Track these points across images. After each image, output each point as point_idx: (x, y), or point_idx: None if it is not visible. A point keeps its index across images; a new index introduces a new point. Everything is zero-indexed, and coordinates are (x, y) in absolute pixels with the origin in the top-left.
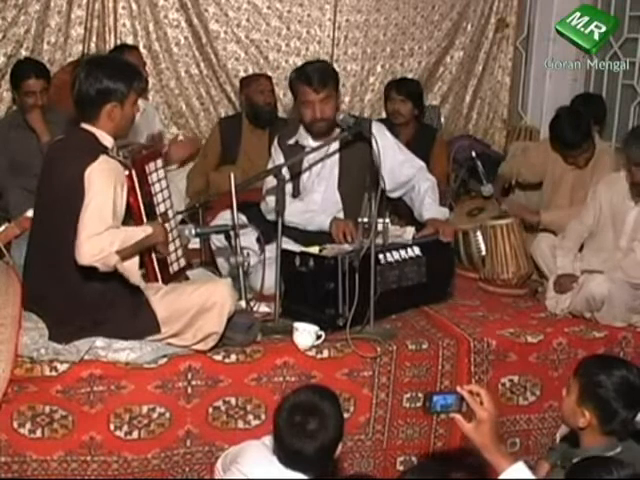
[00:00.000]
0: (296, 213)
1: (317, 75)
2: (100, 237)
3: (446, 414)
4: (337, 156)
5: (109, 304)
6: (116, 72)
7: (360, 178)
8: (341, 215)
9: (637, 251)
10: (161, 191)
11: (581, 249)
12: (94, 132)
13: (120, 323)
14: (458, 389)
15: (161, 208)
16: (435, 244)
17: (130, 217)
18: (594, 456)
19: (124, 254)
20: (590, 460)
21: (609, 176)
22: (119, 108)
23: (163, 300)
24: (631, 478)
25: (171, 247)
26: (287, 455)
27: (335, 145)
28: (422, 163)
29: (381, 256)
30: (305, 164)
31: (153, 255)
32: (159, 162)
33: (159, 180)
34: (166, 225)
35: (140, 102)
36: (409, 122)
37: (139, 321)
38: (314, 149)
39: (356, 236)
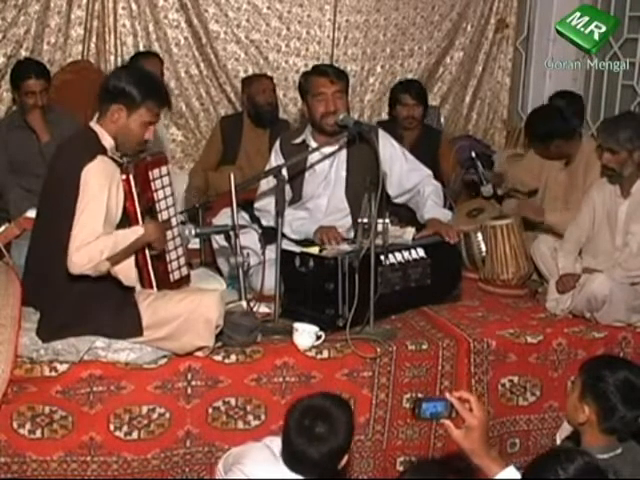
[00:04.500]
0: (285, 222)
1: (332, 68)
2: (89, 247)
3: (436, 420)
4: (344, 160)
5: (96, 297)
6: (137, 80)
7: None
8: (348, 219)
9: (631, 244)
10: (165, 198)
11: (580, 254)
12: (97, 131)
13: (103, 320)
14: (447, 396)
15: (164, 215)
16: (440, 246)
17: (127, 221)
18: (548, 452)
19: (116, 258)
20: (542, 457)
21: (600, 180)
22: (125, 112)
23: (150, 306)
24: (580, 477)
25: (173, 255)
26: (292, 456)
27: (342, 150)
28: (429, 171)
29: (383, 257)
30: (310, 169)
31: (149, 262)
32: (164, 169)
33: (164, 187)
34: (168, 232)
35: None
36: (417, 125)
37: (123, 321)
38: (317, 148)
39: (338, 240)
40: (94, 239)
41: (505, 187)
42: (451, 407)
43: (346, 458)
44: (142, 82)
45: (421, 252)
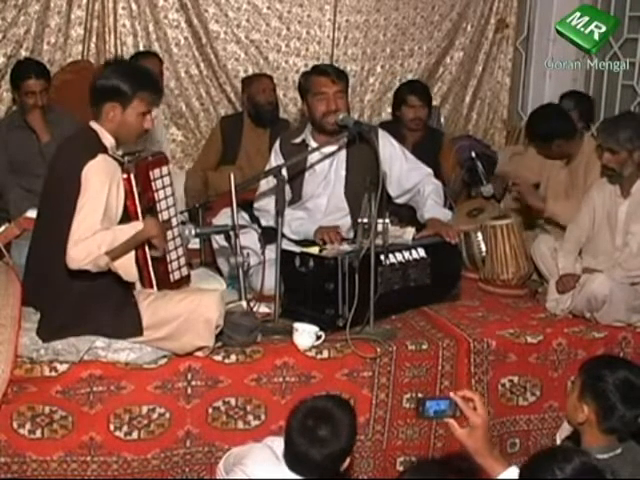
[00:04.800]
0: (285, 222)
1: (333, 68)
2: (87, 241)
3: (439, 419)
4: (344, 160)
5: (97, 297)
6: (125, 74)
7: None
8: (348, 219)
9: (631, 244)
10: (165, 198)
11: (580, 254)
12: (97, 130)
13: (103, 320)
14: (451, 395)
15: (164, 215)
16: (441, 246)
17: (128, 221)
18: (545, 451)
19: (115, 253)
20: (539, 456)
21: (600, 180)
22: (119, 110)
23: (150, 306)
24: (576, 477)
25: (173, 255)
26: (293, 457)
27: (342, 149)
28: (429, 170)
29: (383, 257)
30: (309, 169)
31: (149, 262)
32: (165, 169)
33: (164, 187)
34: (168, 232)
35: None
36: (422, 126)
37: (123, 321)
38: (317, 148)
39: (339, 240)
40: (91, 234)
41: (505, 183)
42: (455, 406)
43: (348, 460)
44: (129, 75)
45: (422, 252)
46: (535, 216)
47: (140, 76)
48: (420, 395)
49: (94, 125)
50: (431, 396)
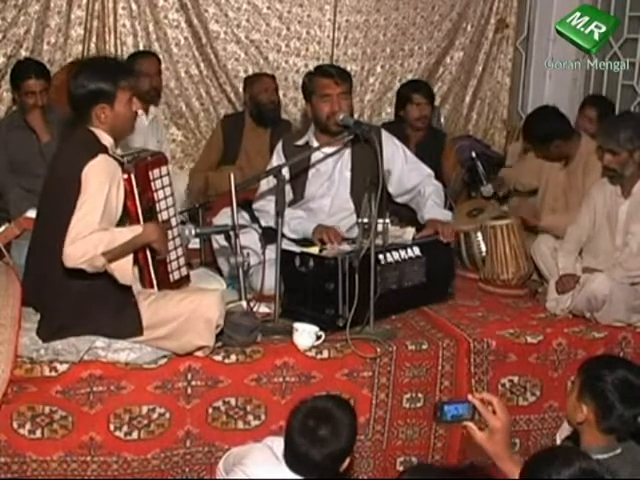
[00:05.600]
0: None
1: (337, 69)
2: (84, 240)
3: (458, 423)
4: (349, 160)
5: (97, 297)
6: (99, 73)
7: None
8: (352, 218)
9: (631, 244)
10: (165, 198)
11: (580, 253)
12: (94, 131)
13: (103, 320)
14: (469, 397)
15: (164, 215)
16: (435, 244)
17: (128, 221)
18: (545, 451)
19: (112, 255)
20: (539, 456)
21: (600, 180)
22: (108, 109)
23: (151, 306)
24: (577, 478)
25: (172, 255)
26: (294, 457)
27: (346, 150)
28: (429, 170)
29: (381, 256)
30: (313, 169)
31: (150, 262)
32: (164, 169)
33: (163, 187)
34: (168, 232)
35: (152, 109)
36: (427, 125)
37: (122, 321)
38: (318, 148)
39: (339, 240)
40: (89, 233)
41: (506, 189)
42: (473, 409)
43: (348, 460)
44: (104, 73)
45: (417, 250)
46: (531, 228)
47: (113, 69)
48: (420, 395)
49: (89, 127)
50: (449, 400)
